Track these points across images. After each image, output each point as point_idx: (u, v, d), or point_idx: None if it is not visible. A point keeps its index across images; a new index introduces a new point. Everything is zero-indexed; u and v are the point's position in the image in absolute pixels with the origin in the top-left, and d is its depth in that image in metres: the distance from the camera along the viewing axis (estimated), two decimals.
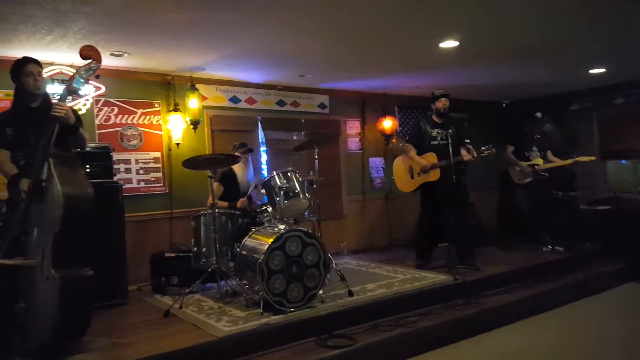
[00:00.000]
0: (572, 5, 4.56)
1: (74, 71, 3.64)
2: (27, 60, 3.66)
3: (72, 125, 3.60)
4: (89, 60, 3.61)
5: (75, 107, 5.45)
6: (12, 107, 3.84)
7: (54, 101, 3.43)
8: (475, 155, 5.62)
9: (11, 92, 3.85)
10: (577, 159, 6.77)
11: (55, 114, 3.41)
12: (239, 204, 5.52)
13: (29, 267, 3.37)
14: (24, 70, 3.64)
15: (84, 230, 3.48)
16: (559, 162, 7.11)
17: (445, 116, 5.79)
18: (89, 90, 5.56)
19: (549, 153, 7.21)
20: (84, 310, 3.44)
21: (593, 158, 6.89)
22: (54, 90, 5.20)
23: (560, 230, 7.06)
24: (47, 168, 3.39)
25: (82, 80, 3.61)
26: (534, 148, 7.06)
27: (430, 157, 5.79)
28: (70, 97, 4.07)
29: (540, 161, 6.96)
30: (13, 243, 3.43)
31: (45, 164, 3.41)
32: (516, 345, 4.26)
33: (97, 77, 3.71)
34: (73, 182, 3.39)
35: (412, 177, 5.99)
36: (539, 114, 7.16)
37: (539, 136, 7.16)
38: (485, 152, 5.65)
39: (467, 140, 5.84)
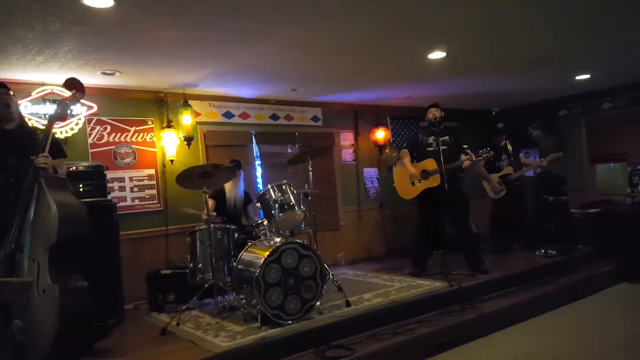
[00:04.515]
0: (557, 16, 4.66)
1: (62, 98, 3.91)
2: None
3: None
4: (74, 91, 3.76)
5: (68, 127, 5.52)
6: None
7: (40, 155, 3.50)
8: (474, 158, 5.67)
9: None
10: (547, 159, 6.89)
11: (40, 165, 3.47)
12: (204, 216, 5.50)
13: (24, 285, 3.36)
14: None
15: (78, 243, 3.50)
16: (531, 164, 7.23)
17: (437, 125, 5.83)
18: (81, 110, 5.58)
19: (520, 156, 7.28)
20: (83, 323, 3.44)
21: (559, 155, 6.95)
22: (46, 110, 5.25)
23: (553, 234, 7.12)
24: (38, 187, 3.45)
25: (70, 108, 3.84)
26: (503, 157, 7.12)
27: (429, 163, 5.82)
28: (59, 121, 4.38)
29: (510, 170, 7.02)
30: (7, 262, 3.44)
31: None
32: (513, 349, 4.27)
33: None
34: (66, 201, 3.48)
35: (413, 184, 5.97)
36: (499, 125, 7.25)
37: (506, 142, 7.23)
38: (484, 154, 5.71)
39: (465, 146, 5.85)
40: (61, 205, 3.40)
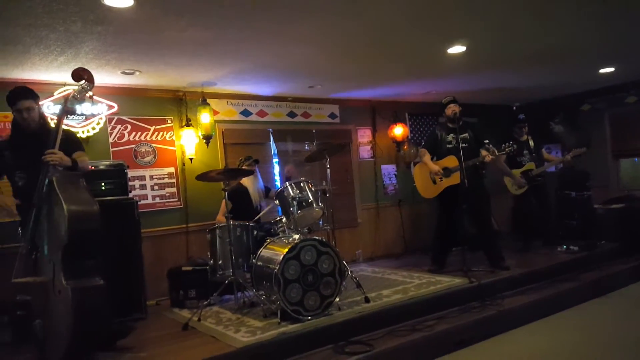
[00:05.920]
0: (579, 7, 4.57)
1: (67, 94, 3.80)
2: (17, 97, 3.73)
3: (69, 167, 3.65)
4: (82, 82, 3.73)
5: (89, 127, 5.60)
6: (11, 132, 3.97)
7: (48, 152, 3.47)
8: (497, 153, 5.60)
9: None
10: (571, 154, 6.80)
11: (48, 160, 3.46)
12: None
13: (42, 284, 3.41)
14: (14, 107, 3.75)
15: (91, 241, 3.49)
16: (554, 160, 7.11)
17: (457, 121, 5.76)
18: (102, 109, 5.66)
19: (542, 152, 7.18)
20: (99, 320, 3.45)
21: (584, 150, 6.86)
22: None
23: (575, 230, 7.03)
24: (49, 185, 3.45)
25: (77, 101, 3.77)
26: (525, 152, 7.00)
27: (450, 161, 5.73)
28: (70, 116, 4.64)
29: (532, 165, 6.91)
30: (26, 262, 3.51)
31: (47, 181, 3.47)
32: (533, 345, 4.24)
33: (91, 97, 3.84)
34: (76, 198, 3.46)
35: (434, 182, 5.90)
36: (521, 116, 7.14)
37: (527, 137, 7.13)
38: (506, 149, 5.62)
39: (487, 141, 5.76)
40: (71, 203, 3.37)
